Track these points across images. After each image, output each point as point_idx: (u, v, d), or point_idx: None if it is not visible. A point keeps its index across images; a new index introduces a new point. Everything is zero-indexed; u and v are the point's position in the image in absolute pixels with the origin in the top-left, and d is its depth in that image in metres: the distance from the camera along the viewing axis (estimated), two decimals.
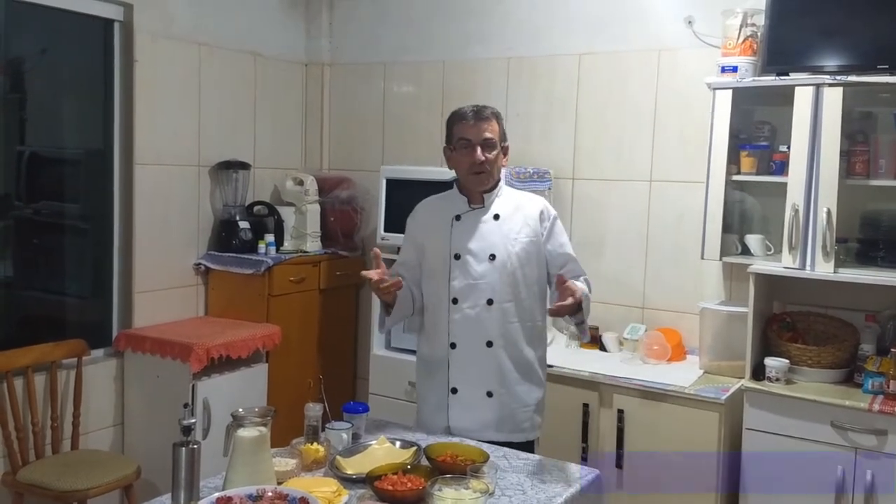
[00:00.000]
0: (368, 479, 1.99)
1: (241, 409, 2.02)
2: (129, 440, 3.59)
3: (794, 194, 2.97)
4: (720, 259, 3.23)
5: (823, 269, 2.93)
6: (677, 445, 2.99)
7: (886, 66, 2.85)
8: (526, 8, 3.86)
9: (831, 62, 2.95)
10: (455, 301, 2.50)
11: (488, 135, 2.48)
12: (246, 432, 1.93)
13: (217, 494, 1.80)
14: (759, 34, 3.14)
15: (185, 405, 1.97)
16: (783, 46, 3.06)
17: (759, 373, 3.01)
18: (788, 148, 3.01)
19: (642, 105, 3.58)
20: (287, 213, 4.07)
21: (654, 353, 3.36)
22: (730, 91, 3.11)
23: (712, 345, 3.27)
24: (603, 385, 3.16)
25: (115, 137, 3.59)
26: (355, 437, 2.34)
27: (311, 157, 4.49)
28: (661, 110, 3.55)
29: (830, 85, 2.90)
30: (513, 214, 2.54)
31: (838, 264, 2.94)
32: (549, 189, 3.63)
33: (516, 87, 3.90)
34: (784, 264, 3.00)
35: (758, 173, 3.17)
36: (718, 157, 3.14)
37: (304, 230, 4.03)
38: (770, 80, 3.07)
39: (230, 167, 3.93)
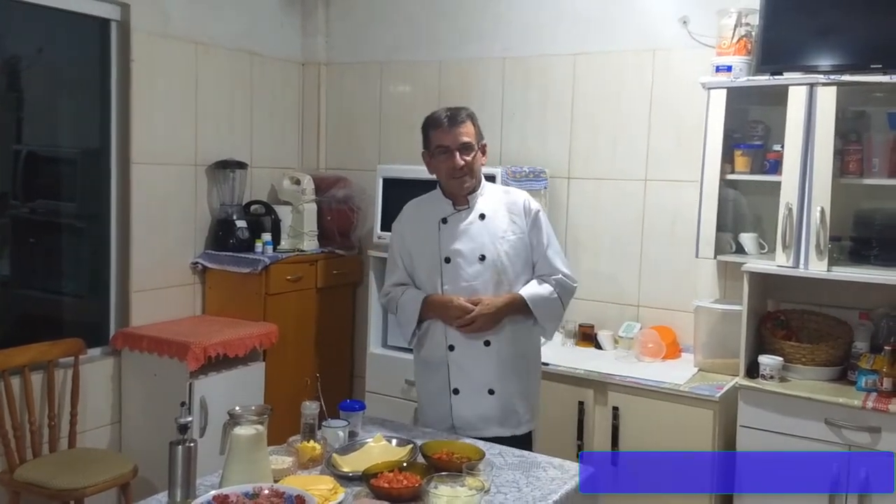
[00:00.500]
0: (365, 477, 2.00)
1: (237, 408, 2.04)
2: (126, 438, 3.60)
3: (788, 193, 2.98)
4: (714, 257, 3.24)
5: (817, 267, 2.94)
6: (672, 443, 3.00)
7: (880, 66, 2.85)
8: (521, 8, 3.87)
9: (825, 62, 2.96)
10: None
11: (465, 139, 2.50)
12: (243, 430, 1.93)
13: (214, 492, 1.80)
14: (753, 34, 3.15)
15: (182, 403, 1.98)
16: (777, 46, 3.06)
17: (753, 371, 3.02)
18: (782, 147, 3.02)
19: (637, 104, 3.59)
20: (284, 212, 4.07)
21: (649, 350, 3.38)
22: (724, 90, 3.12)
23: (707, 343, 3.29)
24: (598, 383, 3.17)
25: (111, 136, 3.60)
26: (352, 434, 2.35)
27: (307, 156, 4.49)
28: (656, 109, 3.56)
29: (824, 84, 2.91)
30: (497, 212, 2.56)
31: (832, 263, 2.95)
32: (545, 188, 3.65)
33: (512, 87, 3.91)
34: (778, 263, 3.01)
35: (752, 172, 3.18)
36: (713, 156, 3.15)
37: (300, 229, 4.03)
38: (764, 79, 3.08)
39: (227, 166, 3.93)
